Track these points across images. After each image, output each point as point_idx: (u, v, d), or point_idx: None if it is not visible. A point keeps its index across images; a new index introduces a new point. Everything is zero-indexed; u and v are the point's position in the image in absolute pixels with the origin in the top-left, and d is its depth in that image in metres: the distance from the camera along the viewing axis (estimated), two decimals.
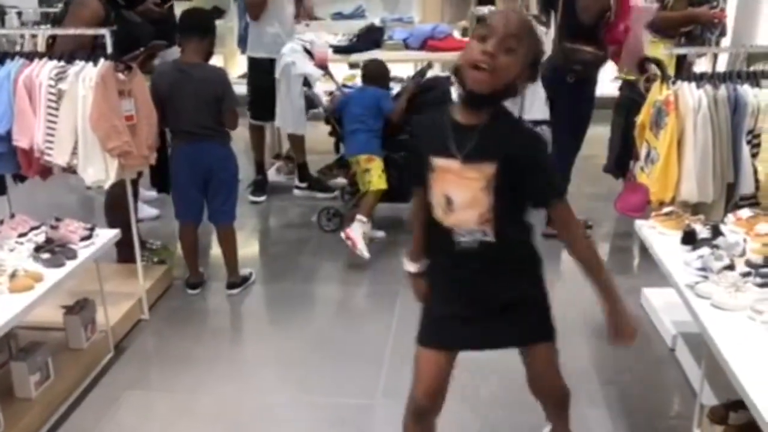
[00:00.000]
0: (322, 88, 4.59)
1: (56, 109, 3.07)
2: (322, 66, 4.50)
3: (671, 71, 3.36)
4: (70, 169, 3.14)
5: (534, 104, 4.20)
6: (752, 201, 3.19)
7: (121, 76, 3.15)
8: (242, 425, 2.65)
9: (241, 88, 4.57)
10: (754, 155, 3.18)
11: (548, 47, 4.11)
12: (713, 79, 3.19)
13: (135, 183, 3.69)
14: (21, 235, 2.86)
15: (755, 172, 3.17)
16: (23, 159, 3.21)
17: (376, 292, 3.76)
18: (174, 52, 3.85)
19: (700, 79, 3.19)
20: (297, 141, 5.02)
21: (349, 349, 3.13)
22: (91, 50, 3.25)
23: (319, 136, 4.92)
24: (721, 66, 4.69)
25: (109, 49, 3.14)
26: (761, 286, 2.20)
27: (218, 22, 4.16)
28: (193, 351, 3.16)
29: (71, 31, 3.34)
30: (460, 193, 1.76)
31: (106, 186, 3.19)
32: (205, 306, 3.63)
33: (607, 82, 4.97)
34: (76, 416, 2.70)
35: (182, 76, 3.41)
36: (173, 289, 3.73)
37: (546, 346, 1.96)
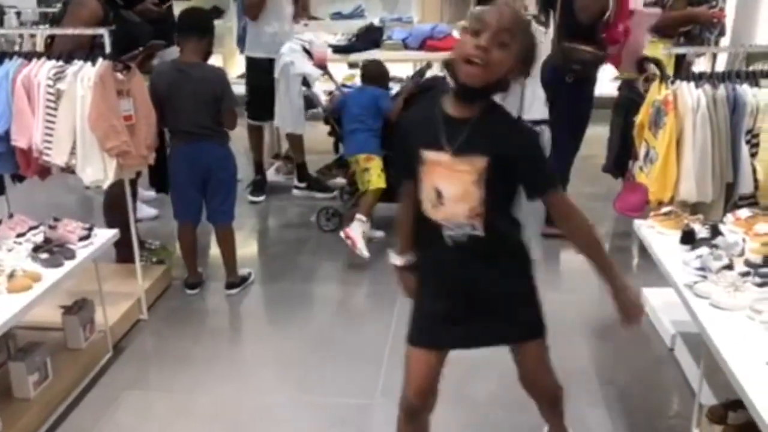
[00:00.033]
0: (321, 88, 4.59)
1: (55, 109, 3.06)
2: (321, 66, 4.49)
3: (670, 71, 3.36)
4: (69, 169, 3.14)
5: (533, 104, 4.21)
6: (751, 201, 3.19)
7: (119, 75, 3.15)
8: (241, 425, 2.64)
9: (240, 88, 4.57)
10: (753, 155, 3.18)
11: (547, 47, 4.12)
12: (712, 78, 3.19)
13: (134, 183, 3.69)
14: (19, 235, 2.87)
15: (754, 171, 3.17)
16: (22, 159, 3.20)
17: (376, 292, 3.75)
18: (173, 52, 3.84)
19: (699, 78, 3.19)
20: (296, 141, 5.01)
21: (349, 349, 3.13)
22: (89, 50, 3.24)
23: (318, 136, 4.91)
24: (720, 66, 4.68)
25: (108, 49, 3.14)
26: (760, 285, 2.20)
27: (217, 22, 4.17)
28: (192, 351, 3.16)
29: (70, 31, 3.34)
30: (451, 187, 1.76)
31: (105, 186, 3.18)
32: (203, 306, 3.62)
33: (606, 81, 4.97)
34: (74, 416, 2.69)
35: (181, 76, 3.41)
36: (172, 289, 3.72)
37: (536, 343, 1.96)
